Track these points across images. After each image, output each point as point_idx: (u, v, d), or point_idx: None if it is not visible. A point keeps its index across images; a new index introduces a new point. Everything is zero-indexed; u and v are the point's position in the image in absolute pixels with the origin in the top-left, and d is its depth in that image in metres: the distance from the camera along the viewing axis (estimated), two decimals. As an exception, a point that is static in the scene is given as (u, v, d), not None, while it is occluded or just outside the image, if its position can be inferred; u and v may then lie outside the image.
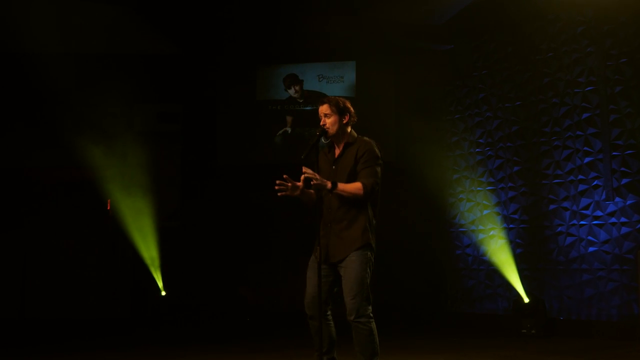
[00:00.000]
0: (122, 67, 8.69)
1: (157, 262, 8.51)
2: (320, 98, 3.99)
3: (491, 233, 8.11)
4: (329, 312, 3.84)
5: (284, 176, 3.77)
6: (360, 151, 3.81)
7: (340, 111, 3.88)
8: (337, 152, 3.92)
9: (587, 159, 7.20)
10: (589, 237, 7.15)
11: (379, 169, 3.79)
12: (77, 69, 8.44)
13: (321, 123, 3.90)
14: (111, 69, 8.66)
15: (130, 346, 6.97)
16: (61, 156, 8.68)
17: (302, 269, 3.97)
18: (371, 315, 3.70)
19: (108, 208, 8.68)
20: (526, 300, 7.07)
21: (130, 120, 9.07)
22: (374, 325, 3.70)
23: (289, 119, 9.14)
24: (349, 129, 3.93)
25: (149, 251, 8.49)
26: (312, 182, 3.63)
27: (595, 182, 7.13)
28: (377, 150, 3.84)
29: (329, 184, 3.65)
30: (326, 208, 3.84)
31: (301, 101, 9.15)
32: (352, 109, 3.94)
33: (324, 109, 3.89)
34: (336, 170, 3.86)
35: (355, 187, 3.70)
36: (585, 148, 7.22)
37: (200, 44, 9.14)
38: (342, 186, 3.69)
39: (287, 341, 6.92)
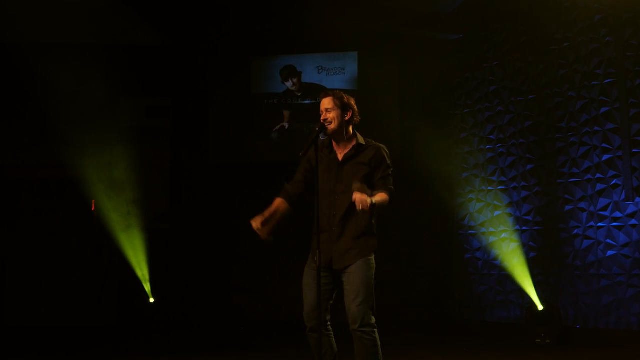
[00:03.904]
0: (108, 58, 8.67)
1: (145, 267, 8.49)
2: (324, 91, 3.98)
3: (503, 236, 8.10)
4: (328, 323, 3.82)
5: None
6: (376, 159, 3.86)
7: (343, 107, 3.87)
8: (341, 151, 3.90)
9: (605, 157, 7.19)
10: (608, 240, 7.14)
11: (392, 175, 3.92)
12: (59, 61, 8.41)
13: (322, 118, 3.87)
14: (96, 60, 8.63)
15: (116, 356, 6.96)
16: (42, 154, 8.67)
17: (299, 275, 3.95)
18: (375, 325, 3.69)
19: (93, 209, 8.67)
20: (540, 307, 7.06)
21: (117, 115, 9.04)
22: (377, 335, 3.69)
23: (286, 113, 9.13)
24: (350, 128, 3.92)
25: (137, 255, 8.48)
26: (360, 207, 3.56)
27: (614, 181, 7.12)
28: (389, 157, 3.93)
29: (369, 201, 3.61)
30: (324, 213, 3.83)
31: (299, 94, 9.13)
32: (356, 107, 3.93)
33: (326, 102, 3.87)
34: (345, 171, 3.83)
35: (386, 199, 3.77)
36: (604, 145, 7.21)
37: (191, 34, 9.12)
38: (379, 202, 3.69)
39: (284, 351, 6.91)
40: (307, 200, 4.02)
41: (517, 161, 8.08)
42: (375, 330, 3.69)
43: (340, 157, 3.88)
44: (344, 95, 3.90)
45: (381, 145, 3.94)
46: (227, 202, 9.10)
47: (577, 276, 7.40)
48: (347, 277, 3.73)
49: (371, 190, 3.72)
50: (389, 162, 3.89)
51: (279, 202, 3.95)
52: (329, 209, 3.81)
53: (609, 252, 7.12)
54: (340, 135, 3.88)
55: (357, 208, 3.56)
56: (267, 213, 3.89)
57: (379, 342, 3.69)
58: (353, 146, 3.88)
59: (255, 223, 3.82)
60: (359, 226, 3.76)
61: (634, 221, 6.93)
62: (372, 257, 3.78)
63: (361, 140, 3.92)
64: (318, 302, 3.65)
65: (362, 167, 3.81)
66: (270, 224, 3.86)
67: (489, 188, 8.34)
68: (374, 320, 3.68)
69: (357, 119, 3.93)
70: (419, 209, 8.94)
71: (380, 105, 8.68)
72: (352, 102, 3.93)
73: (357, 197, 3.55)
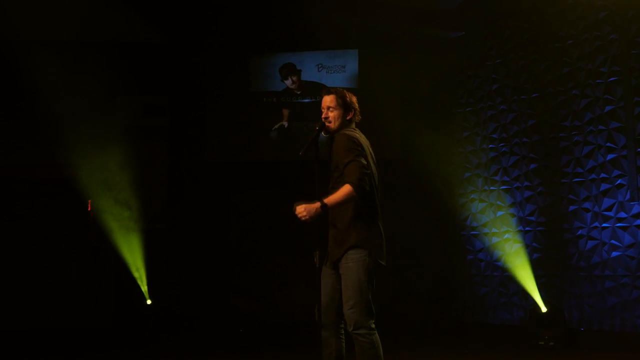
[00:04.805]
0: (104, 56, 8.65)
1: (142, 268, 8.48)
2: (326, 88, 3.97)
3: (506, 236, 8.09)
4: (342, 325, 3.80)
5: None
6: (336, 147, 3.77)
7: (345, 106, 3.86)
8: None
9: (610, 156, 7.18)
10: (612, 241, 7.13)
11: (360, 159, 3.69)
12: (55, 58, 8.40)
13: (323, 116, 3.87)
14: (92, 58, 8.62)
15: (113, 359, 6.95)
16: (37, 152, 8.66)
17: (298, 275, 3.96)
18: (372, 327, 3.66)
19: (89, 209, 8.66)
20: (544, 309, 7.05)
21: (113, 113, 9.04)
22: (376, 338, 3.67)
23: (285, 112, 9.12)
24: (350, 127, 3.90)
25: (133, 256, 8.47)
26: (303, 220, 3.59)
27: (619, 181, 7.11)
28: (350, 140, 3.74)
29: (319, 208, 3.59)
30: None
31: (299, 93, 9.13)
32: (357, 105, 3.92)
33: (328, 100, 3.86)
34: (330, 167, 3.87)
35: (345, 192, 3.62)
36: (608, 144, 7.20)
37: (189, 31, 9.11)
38: (331, 201, 3.62)
39: (283, 353, 6.90)
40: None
41: (520, 160, 8.07)
42: (373, 332, 3.65)
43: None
44: (346, 94, 3.89)
45: (343, 132, 3.82)
46: (226, 202, 9.09)
47: (581, 277, 7.39)
48: (342, 280, 3.73)
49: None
50: (349, 146, 3.71)
51: None
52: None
53: (614, 253, 7.11)
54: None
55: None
56: None
57: (377, 344, 3.66)
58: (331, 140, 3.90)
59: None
60: (343, 221, 3.73)
61: (639, 221, 6.92)
62: (366, 257, 3.69)
63: (335, 132, 3.86)
64: (318, 299, 3.64)
65: (332, 161, 3.82)
66: None
67: (491, 188, 8.34)
68: (370, 322, 3.65)
69: (358, 117, 3.93)
70: (419, 209, 8.92)
71: (381, 104, 8.67)
72: (354, 100, 3.92)
73: (296, 209, 3.59)
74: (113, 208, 8.56)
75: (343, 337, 3.81)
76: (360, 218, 3.72)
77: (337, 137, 3.81)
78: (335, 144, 3.79)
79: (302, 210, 3.58)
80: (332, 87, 3.98)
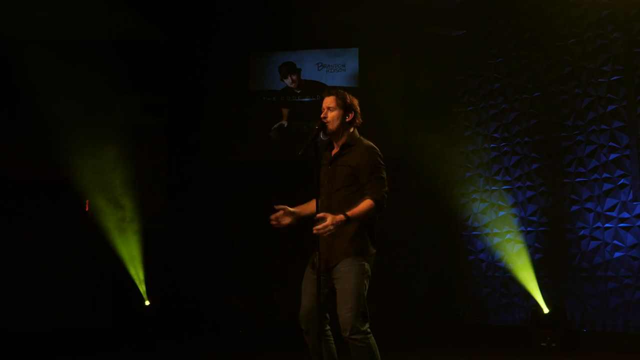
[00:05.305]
0: (102, 54, 8.64)
1: (140, 268, 8.47)
2: (328, 89, 3.95)
3: (507, 237, 8.08)
4: (327, 328, 3.79)
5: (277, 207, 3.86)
6: (362, 159, 3.76)
7: (346, 107, 3.85)
8: (335, 151, 3.89)
9: (612, 156, 7.17)
10: (615, 242, 7.12)
11: (384, 175, 3.77)
12: (52, 57, 8.39)
13: (322, 115, 3.85)
14: (90, 56, 8.61)
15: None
16: (34, 152, 8.64)
17: (298, 275, 3.93)
18: (368, 330, 3.65)
19: (86, 209, 8.64)
20: (546, 310, 7.03)
21: (111, 112, 9.02)
22: (372, 340, 3.66)
23: (285, 111, 9.10)
24: (351, 130, 3.88)
25: (132, 256, 8.45)
26: (324, 235, 3.58)
27: (621, 181, 7.10)
28: (380, 156, 3.80)
29: (343, 219, 3.59)
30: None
31: (298, 92, 9.11)
32: (359, 109, 3.90)
33: (328, 100, 3.85)
34: (333, 171, 3.82)
35: (368, 207, 3.65)
36: (611, 143, 7.18)
37: (188, 29, 9.10)
38: (354, 214, 3.62)
39: (283, 355, 6.89)
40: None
41: (522, 160, 8.05)
42: (369, 336, 3.64)
43: (332, 154, 3.88)
44: (347, 96, 3.88)
45: (369, 144, 3.84)
46: (224, 202, 9.08)
47: (583, 278, 7.38)
48: (337, 283, 3.70)
49: (359, 193, 3.70)
50: (379, 161, 3.77)
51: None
52: (327, 209, 3.78)
53: (616, 254, 7.10)
54: (338, 135, 3.87)
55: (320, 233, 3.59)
56: (298, 208, 3.96)
57: (374, 347, 3.65)
58: (341, 145, 3.86)
59: (280, 208, 3.92)
60: (346, 229, 3.70)
61: (642, 222, 6.92)
62: (365, 264, 3.70)
63: (351, 139, 3.85)
64: (318, 303, 3.62)
65: (345, 168, 3.78)
66: (295, 217, 3.94)
67: (493, 188, 8.32)
68: (366, 326, 3.63)
69: (359, 120, 3.91)
70: (420, 209, 8.91)
71: (382, 103, 8.66)
72: (355, 102, 3.90)
73: (318, 226, 3.58)
74: (108, 208, 8.54)
75: (331, 339, 3.79)
76: (362, 227, 3.73)
77: (363, 149, 3.79)
78: (361, 154, 3.77)
79: (320, 228, 3.59)
80: (333, 88, 3.96)
